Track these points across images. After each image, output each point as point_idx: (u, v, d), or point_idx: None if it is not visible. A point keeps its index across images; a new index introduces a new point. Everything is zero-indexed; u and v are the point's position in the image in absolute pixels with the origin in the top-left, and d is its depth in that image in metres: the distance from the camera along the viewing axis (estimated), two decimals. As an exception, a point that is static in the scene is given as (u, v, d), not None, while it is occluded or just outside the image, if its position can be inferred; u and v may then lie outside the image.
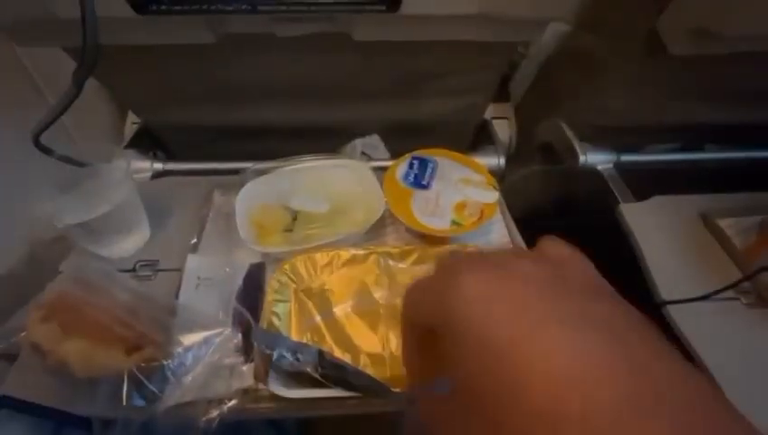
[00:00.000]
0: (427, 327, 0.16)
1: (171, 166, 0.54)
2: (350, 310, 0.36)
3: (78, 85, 0.32)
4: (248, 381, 0.31)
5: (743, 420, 0.11)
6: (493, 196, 0.41)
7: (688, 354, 0.36)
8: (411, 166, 0.44)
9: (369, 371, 0.31)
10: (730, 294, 0.38)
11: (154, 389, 0.28)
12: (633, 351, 0.12)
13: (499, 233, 0.43)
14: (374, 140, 0.56)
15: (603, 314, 0.13)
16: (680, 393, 0.11)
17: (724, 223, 0.44)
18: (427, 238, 0.40)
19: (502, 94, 0.63)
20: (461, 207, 0.40)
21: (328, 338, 0.34)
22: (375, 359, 0.33)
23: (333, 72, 0.45)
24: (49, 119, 0.35)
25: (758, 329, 0.37)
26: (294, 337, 0.34)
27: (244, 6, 0.31)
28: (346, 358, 0.33)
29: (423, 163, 0.44)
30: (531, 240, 0.43)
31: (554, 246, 0.17)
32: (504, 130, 0.62)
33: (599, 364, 0.12)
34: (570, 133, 0.56)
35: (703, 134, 0.59)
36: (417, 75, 0.47)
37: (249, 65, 0.44)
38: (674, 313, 0.38)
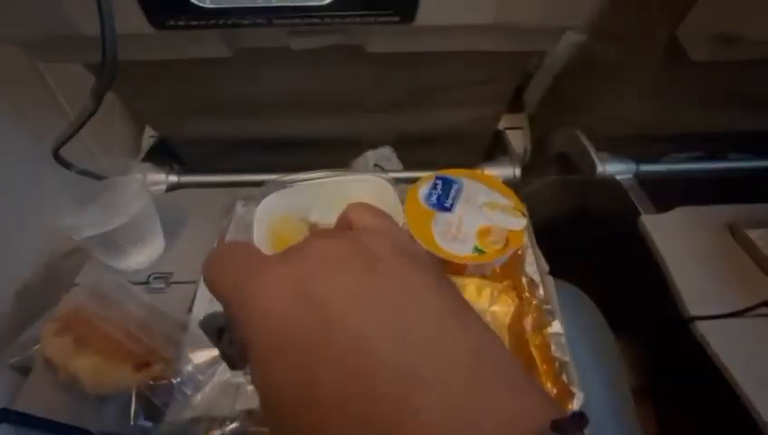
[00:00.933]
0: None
1: (186, 178, 0.54)
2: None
3: (97, 100, 0.33)
4: (253, 403, 0.30)
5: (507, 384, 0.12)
6: (520, 223, 0.38)
7: (718, 372, 0.35)
8: (435, 186, 0.41)
9: None
10: (764, 310, 0.36)
11: (162, 407, 0.28)
12: (411, 324, 0.13)
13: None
14: (386, 151, 0.55)
15: (387, 285, 0.13)
16: (446, 360, 0.12)
17: (754, 234, 0.42)
18: (447, 264, 0.38)
19: (516, 104, 0.62)
20: (485, 232, 0.38)
21: None
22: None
23: (347, 84, 0.46)
24: (68, 133, 0.35)
25: (795, 347, 0.35)
26: None
27: (259, 20, 0.32)
28: None
29: (447, 184, 0.42)
30: (547, 254, 0.42)
31: (358, 213, 0.17)
32: (518, 140, 0.61)
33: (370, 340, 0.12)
34: (587, 143, 0.55)
35: (726, 142, 0.57)
36: (431, 86, 0.47)
37: (263, 78, 0.45)
38: (702, 329, 0.37)
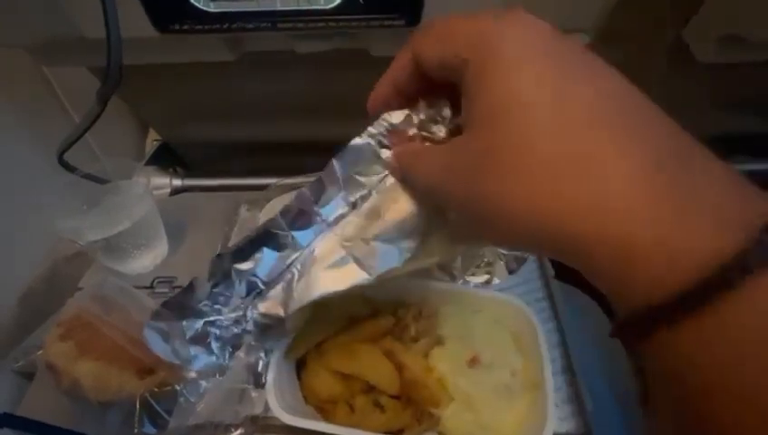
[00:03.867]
0: (444, 63, 0.17)
1: (190, 182, 0.54)
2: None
3: (102, 103, 0.33)
4: (257, 409, 0.30)
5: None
6: None
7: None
8: None
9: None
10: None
11: (166, 415, 0.27)
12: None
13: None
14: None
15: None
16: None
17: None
18: None
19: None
20: None
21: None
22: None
23: (351, 87, 0.45)
24: (73, 137, 0.35)
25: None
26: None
27: (264, 24, 0.31)
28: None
29: None
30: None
31: None
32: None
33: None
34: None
35: (731, 144, 0.57)
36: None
37: (267, 82, 0.45)
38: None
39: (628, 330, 0.14)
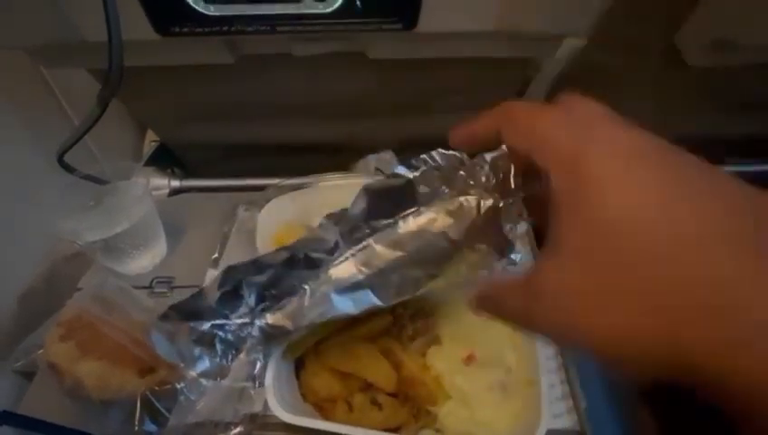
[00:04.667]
0: (533, 162, 0.16)
1: (188, 183, 0.54)
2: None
3: (102, 106, 0.33)
4: (256, 407, 0.30)
5: None
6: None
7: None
8: None
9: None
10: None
11: (166, 413, 0.28)
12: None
13: (526, 266, 0.41)
14: (388, 156, 0.56)
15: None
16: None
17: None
18: None
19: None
20: None
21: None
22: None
23: (348, 89, 0.46)
24: (74, 138, 0.36)
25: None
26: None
27: (263, 27, 0.32)
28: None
29: None
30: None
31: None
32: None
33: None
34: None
35: (723, 147, 0.57)
36: (432, 92, 0.47)
37: (265, 84, 0.45)
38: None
39: None
